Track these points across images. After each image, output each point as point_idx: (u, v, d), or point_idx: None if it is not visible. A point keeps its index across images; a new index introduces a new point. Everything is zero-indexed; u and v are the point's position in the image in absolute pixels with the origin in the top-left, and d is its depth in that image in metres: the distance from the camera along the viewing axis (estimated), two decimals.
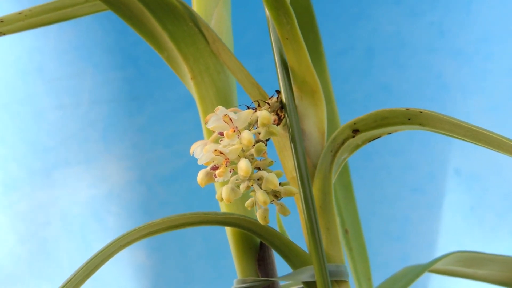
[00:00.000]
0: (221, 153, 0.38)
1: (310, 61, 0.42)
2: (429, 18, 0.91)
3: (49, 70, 0.89)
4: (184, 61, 0.46)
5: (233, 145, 0.38)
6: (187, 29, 0.45)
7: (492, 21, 0.91)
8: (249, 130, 0.39)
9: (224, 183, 0.39)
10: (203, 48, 0.45)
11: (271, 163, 0.40)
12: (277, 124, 0.42)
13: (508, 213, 0.92)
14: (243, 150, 0.39)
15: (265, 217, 0.39)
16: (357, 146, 0.42)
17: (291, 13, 0.40)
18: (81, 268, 0.39)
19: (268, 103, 0.42)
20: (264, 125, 0.39)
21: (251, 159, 0.39)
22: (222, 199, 0.39)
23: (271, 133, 0.40)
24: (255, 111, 0.40)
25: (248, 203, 0.40)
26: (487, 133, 0.35)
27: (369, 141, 0.42)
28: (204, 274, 0.90)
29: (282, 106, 0.42)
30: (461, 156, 0.92)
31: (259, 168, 0.40)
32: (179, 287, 0.90)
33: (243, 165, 0.37)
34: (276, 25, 0.41)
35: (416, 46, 0.91)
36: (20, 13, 0.47)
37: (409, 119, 0.39)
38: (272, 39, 0.43)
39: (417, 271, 0.51)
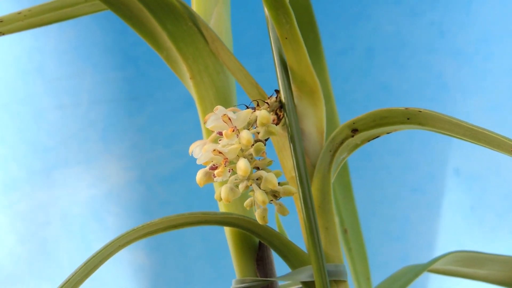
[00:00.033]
0: (220, 152, 0.38)
1: (309, 60, 0.42)
2: (429, 18, 0.91)
3: (49, 70, 0.89)
4: (183, 61, 0.46)
5: (232, 144, 0.38)
6: (187, 29, 0.45)
7: (492, 21, 0.91)
8: (248, 129, 0.39)
9: (223, 182, 0.39)
10: (202, 48, 0.45)
11: (270, 163, 0.40)
12: (276, 124, 0.42)
13: (508, 213, 0.92)
14: (242, 150, 0.39)
15: (264, 216, 0.39)
16: (356, 146, 0.42)
17: (290, 12, 0.40)
18: (80, 268, 0.39)
19: (267, 103, 0.42)
20: (263, 124, 0.39)
21: (250, 158, 0.39)
22: (221, 199, 0.38)
23: (270, 133, 0.40)
24: (254, 111, 0.40)
25: (247, 202, 0.40)
26: (486, 132, 0.35)
27: (368, 141, 0.42)
28: (203, 274, 0.90)
29: (281, 106, 0.42)
30: (461, 156, 0.92)
31: (258, 168, 0.40)
32: (179, 287, 0.90)
33: (242, 165, 0.37)
34: (275, 25, 0.41)
35: (416, 46, 0.91)
36: (19, 13, 0.47)
37: (408, 119, 0.39)
38: (271, 39, 0.43)
39: (416, 271, 0.51)
